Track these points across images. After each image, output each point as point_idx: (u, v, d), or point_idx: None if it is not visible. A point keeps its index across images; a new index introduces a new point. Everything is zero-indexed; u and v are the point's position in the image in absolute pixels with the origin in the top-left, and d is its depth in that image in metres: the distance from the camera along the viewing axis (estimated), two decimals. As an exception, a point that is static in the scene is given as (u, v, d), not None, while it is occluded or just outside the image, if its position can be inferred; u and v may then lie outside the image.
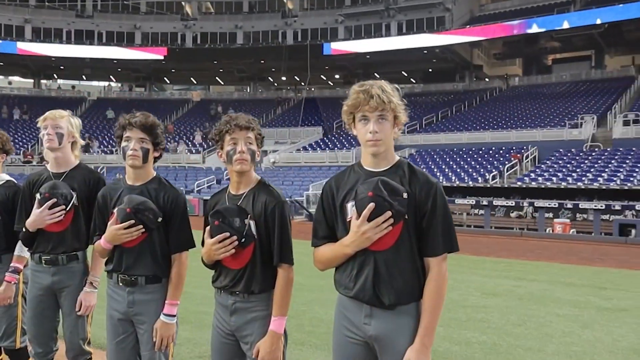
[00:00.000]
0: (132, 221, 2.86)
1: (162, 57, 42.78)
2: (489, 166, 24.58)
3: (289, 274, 2.67)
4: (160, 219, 2.94)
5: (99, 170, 30.81)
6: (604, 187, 18.85)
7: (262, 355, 2.61)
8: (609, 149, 24.28)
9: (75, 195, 3.37)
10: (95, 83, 51.73)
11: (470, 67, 43.40)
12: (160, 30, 44.11)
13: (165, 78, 50.17)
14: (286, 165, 30.86)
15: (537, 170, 23.08)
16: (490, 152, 26.71)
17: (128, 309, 2.97)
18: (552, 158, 23.91)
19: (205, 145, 34.24)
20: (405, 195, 2.32)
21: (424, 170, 2.49)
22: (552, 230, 16.82)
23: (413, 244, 2.35)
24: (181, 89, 53.43)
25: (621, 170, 20.69)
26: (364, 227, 2.29)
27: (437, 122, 34.88)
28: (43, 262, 3.36)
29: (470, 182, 22.41)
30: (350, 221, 2.40)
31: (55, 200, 3.29)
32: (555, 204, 17.61)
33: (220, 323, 2.78)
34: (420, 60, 43.23)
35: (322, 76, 49.74)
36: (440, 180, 21.98)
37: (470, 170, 24.47)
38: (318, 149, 32.42)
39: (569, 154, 24.17)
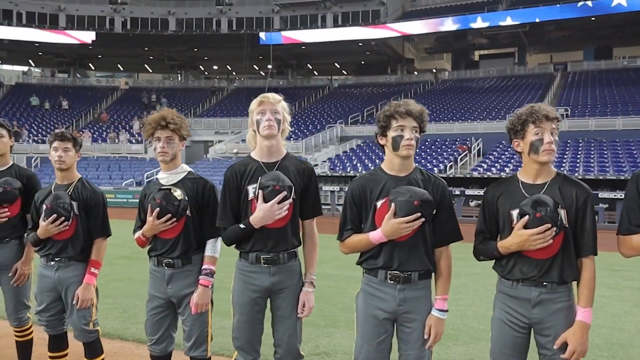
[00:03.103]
0: (419, 214, 2.73)
1: (90, 42, 40.70)
2: (439, 157, 25.59)
3: (594, 264, 2.75)
4: (435, 211, 2.84)
5: (32, 161, 29.09)
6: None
7: (574, 347, 2.63)
8: (546, 142, 25.98)
9: (293, 187, 3.09)
10: (7, 67, 48.25)
11: (402, 61, 44.69)
12: (86, 14, 41.94)
13: (90, 64, 47.73)
14: (234, 155, 30.46)
15: (487, 160, 24.33)
16: (437, 143, 27.79)
17: (398, 307, 2.83)
18: (498, 149, 25.26)
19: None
20: None
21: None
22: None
23: None
24: (105, 75, 51.08)
25: (565, 160, 22.30)
26: None
27: (377, 113, 35.57)
28: (262, 261, 3.07)
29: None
30: None
31: (285, 193, 3.00)
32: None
33: (514, 317, 2.76)
34: (354, 52, 43.98)
35: (254, 66, 49.36)
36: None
37: (422, 161, 25.37)
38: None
39: (511, 146, 25.56)
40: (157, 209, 3.23)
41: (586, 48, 41.39)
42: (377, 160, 26.11)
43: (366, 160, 26.30)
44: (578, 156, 22.76)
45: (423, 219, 2.77)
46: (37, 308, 3.77)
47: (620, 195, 17.55)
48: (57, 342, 3.89)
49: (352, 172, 24.26)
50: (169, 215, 3.23)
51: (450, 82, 41.18)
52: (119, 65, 49.00)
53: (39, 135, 32.56)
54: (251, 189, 3.09)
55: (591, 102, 30.34)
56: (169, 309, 3.40)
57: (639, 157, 22.22)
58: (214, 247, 3.34)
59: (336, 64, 48.58)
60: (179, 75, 48.02)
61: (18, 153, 28.97)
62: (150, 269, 3.43)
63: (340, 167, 25.11)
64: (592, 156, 22.39)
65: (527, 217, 2.67)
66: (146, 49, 43.50)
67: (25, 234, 3.92)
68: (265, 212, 2.99)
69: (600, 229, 2.90)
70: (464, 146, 26.30)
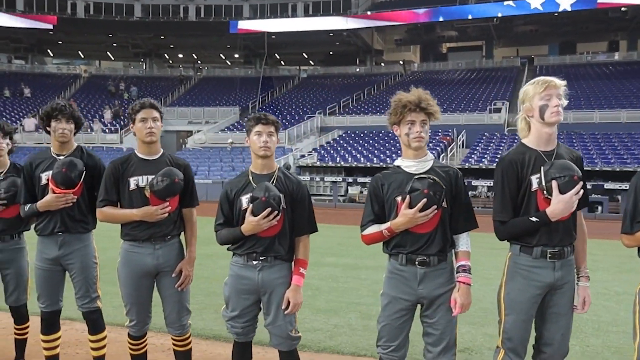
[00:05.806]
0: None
1: (51, 27, 38.89)
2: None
3: None
4: None
5: None
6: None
7: None
8: (528, 133, 26.56)
9: None
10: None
11: (372, 52, 44.74)
12: (47, -3, 40.01)
13: (48, 50, 45.63)
14: (214, 146, 29.75)
15: (476, 152, 24.66)
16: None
17: None
18: (483, 141, 25.67)
19: (118, 125, 31.87)
20: None
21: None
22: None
23: None
24: (64, 63, 48.97)
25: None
26: None
27: (353, 104, 35.54)
28: (548, 256, 2.94)
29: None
30: None
31: (582, 184, 2.90)
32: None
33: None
34: (323, 43, 43.70)
35: (221, 55, 48.45)
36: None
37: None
38: (244, 129, 31.62)
39: (495, 138, 26.11)
40: (424, 199, 2.87)
41: (551, 43, 42.58)
42: (364, 151, 26.09)
43: (353, 151, 26.22)
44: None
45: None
46: (230, 314, 3.38)
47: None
48: (246, 351, 3.53)
49: (341, 162, 24.17)
50: (434, 206, 2.91)
51: (420, 74, 41.44)
52: (79, 52, 47.06)
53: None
54: (535, 180, 2.93)
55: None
56: (411, 312, 3.10)
57: (620, 148, 23.07)
58: (468, 241, 3.09)
59: (304, 54, 48.20)
60: (143, 63, 46.54)
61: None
62: (392, 268, 3.08)
63: (329, 158, 24.95)
64: (576, 148, 23.05)
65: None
66: (110, 35, 41.94)
67: (216, 230, 3.44)
68: (565, 204, 2.84)
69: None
70: (448, 137, 26.59)
